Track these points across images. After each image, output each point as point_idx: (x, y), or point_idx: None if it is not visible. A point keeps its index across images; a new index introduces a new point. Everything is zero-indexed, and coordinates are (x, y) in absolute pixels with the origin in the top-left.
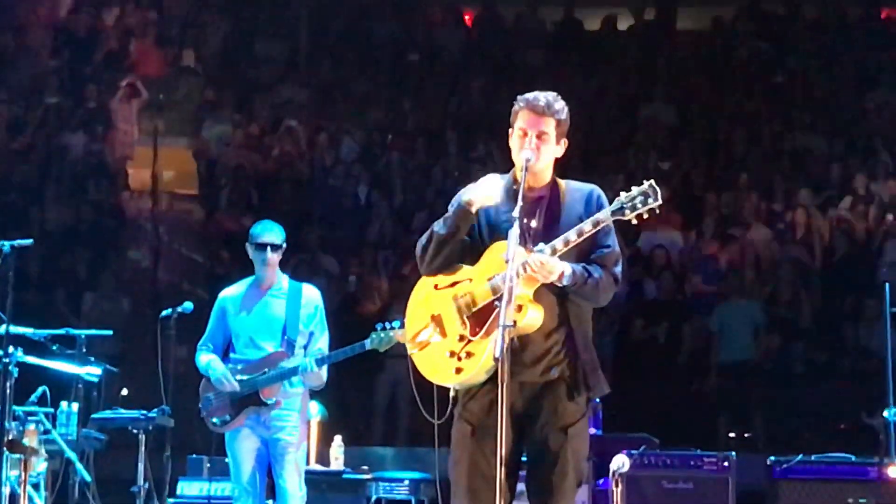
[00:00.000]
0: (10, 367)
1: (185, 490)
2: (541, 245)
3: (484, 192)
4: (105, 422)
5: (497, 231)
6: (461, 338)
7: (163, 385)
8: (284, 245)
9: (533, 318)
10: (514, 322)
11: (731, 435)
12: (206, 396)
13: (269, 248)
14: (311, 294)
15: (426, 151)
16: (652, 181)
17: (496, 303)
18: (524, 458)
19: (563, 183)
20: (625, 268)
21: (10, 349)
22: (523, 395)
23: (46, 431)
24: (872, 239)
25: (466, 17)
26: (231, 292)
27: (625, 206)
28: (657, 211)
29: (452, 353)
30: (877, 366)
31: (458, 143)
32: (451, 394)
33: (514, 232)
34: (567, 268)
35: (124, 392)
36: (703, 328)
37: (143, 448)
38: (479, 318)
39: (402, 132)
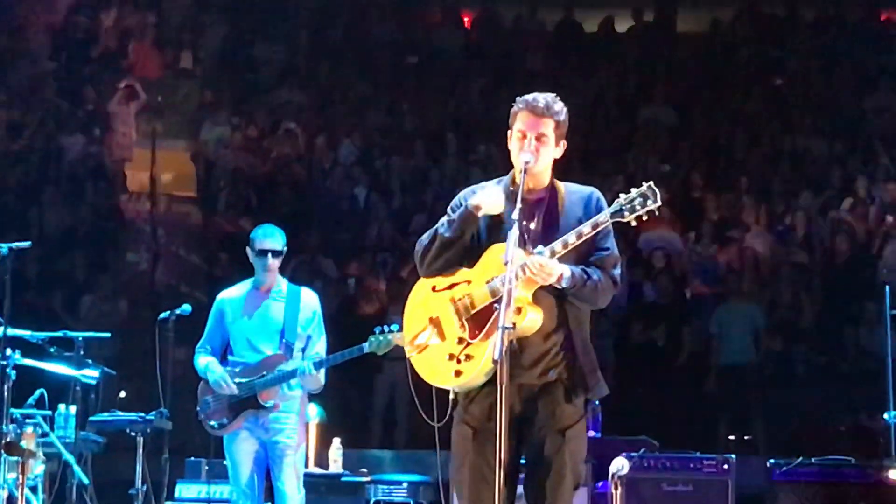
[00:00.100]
0: (7, 370)
1: (183, 493)
2: (540, 247)
3: (490, 197)
4: (103, 424)
5: (496, 233)
6: (460, 340)
7: (161, 387)
8: (285, 249)
9: (532, 320)
10: (514, 324)
11: (731, 437)
12: (204, 399)
13: (270, 254)
14: (309, 298)
15: (425, 154)
16: (651, 183)
17: (495, 305)
18: (523, 462)
19: (561, 185)
20: (623, 270)
21: (8, 351)
22: (522, 396)
23: (44, 434)
24: (872, 241)
25: (465, 19)
26: (229, 294)
27: (624, 207)
28: (657, 213)
29: (451, 356)
30: (877, 368)
31: (457, 146)
32: (451, 396)
33: (513, 234)
34: (566, 270)
35: (122, 394)
36: (703, 331)
37: (141, 450)
38: (478, 320)
39: (400, 134)
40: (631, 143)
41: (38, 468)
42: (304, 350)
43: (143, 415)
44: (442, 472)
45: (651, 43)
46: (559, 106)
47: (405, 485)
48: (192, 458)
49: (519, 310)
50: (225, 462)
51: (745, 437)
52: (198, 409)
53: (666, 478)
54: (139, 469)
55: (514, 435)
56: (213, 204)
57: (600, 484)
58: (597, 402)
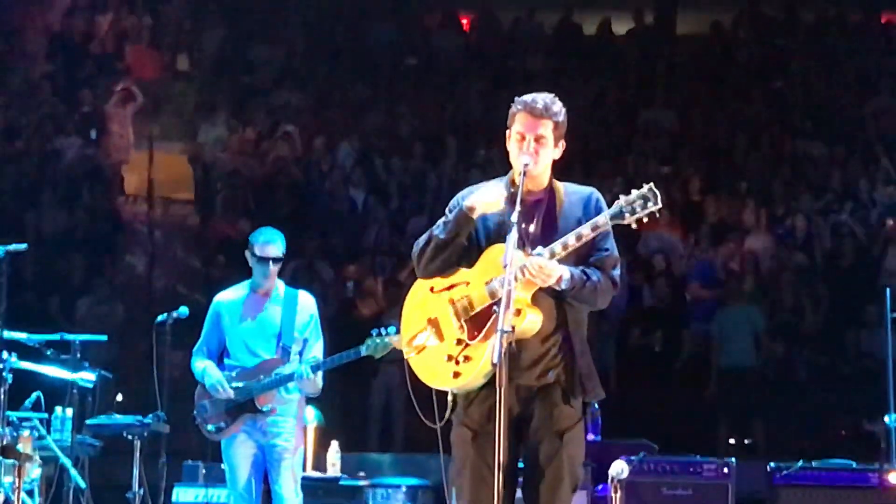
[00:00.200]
0: (4, 373)
1: (180, 496)
2: (539, 249)
3: (486, 198)
4: (100, 427)
5: (494, 235)
6: (459, 342)
7: (158, 390)
8: (284, 253)
9: (531, 321)
10: (513, 327)
11: (731, 441)
12: (201, 404)
13: (271, 261)
14: (307, 301)
15: (423, 156)
16: (652, 185)
17: (494, 306)
18: (521, 465)
19: (560, 186)
20: (623, 272)
21: (5, 354)
22: (520, 398)
23: (41, 437)
24: (873, 244)
25: (464, 22)
26: (226, 297)
27: (624, 209)
28: (657, 215)
29: (450, 357)
30: (878, 371)
31: (456, 148)
32: (449, 398)
33: (513, 236)
34: (565, 271)
35: (119, 398)
36: (704, 334)
37: (138, 454)
38: (477, 321)
39: (399, 137)
40: (631, 146)
41: (34, 472)
42: (301, 353)
43: (140, 418)
44: (442, 474)
45: (651, 45)
46: (558, 107)
47: (403, 488)
48: (190, 462)
49: (518, 311)
50: (222, 466)
51: (746, 441)
52: (195, 413)
53: (666, 481)
54: (136, 473)
55: (513, 437)
56: (210, 206)
57: (600, 487)
58: (596, 406)
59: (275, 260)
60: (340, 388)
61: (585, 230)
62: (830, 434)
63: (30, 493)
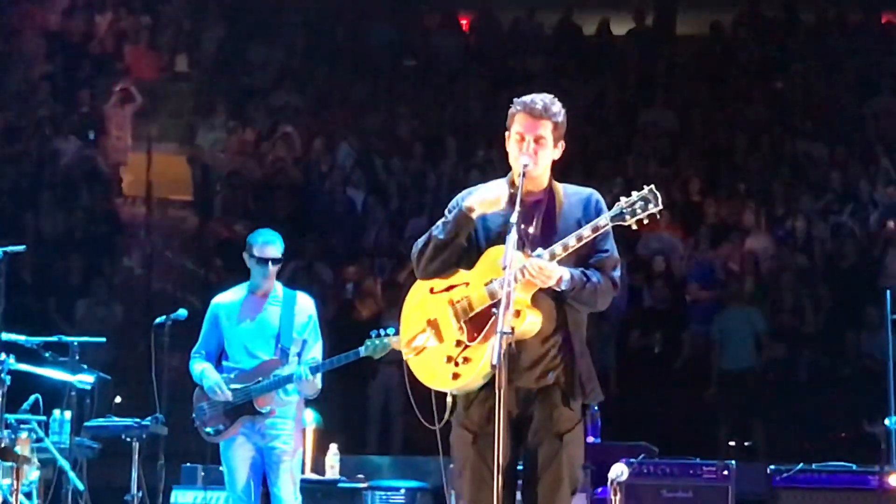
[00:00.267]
0: (2, 375)
1: (179, 499)
2: (539, 250)
3: (485, 198)
4: (98, 430)
5: (494, 236)
6: (458, 343)
7: (156, 393)
8: (283, 254)
9: (531, 323)
10: (512, 329)
11: (731, 443)
12: (199, 406)
13: (271, 262)
14: (305, 302)
15: (423, 157)
16: (652, 186)
17: (493, 308)
18: (520, 467)
19: (560, 187)
20: (623, 273)
21: (3, 356)
22: (520, 400)
23: (39, 440)
24: (874, 246)
25: (463, 22)
26: (224, 299)
27: (625, 211)
28: (658, 216)
29: (449, 359)
30: (878, 373)
31: (455, 149)
32: (449, 399)
33: (512, 237)
34: (565, 272)
35: (117, 400)
36: (704, 335)
37: (136, 456)
38: (477, 322)
39: (398, 138)
40: (631, 147)
41: (32, 474)
42: (300, 355)
43: (138, 420)
44: (441, 475)
45: (651, 45)
46: (557, 107)
47: (403, 491)
48: (188, 464)
49: (518, 313)
50: (221, 468)
51: (746, 444)
52: (193, 415)
53: (666, 484)
54: (135, 475)
55: (513, 438)
56: (208, 208)
57: (599, 490)
58: (595, 408)
59: (274, 261)
60: (339, 391)
61: (586, 231)
62: (830, 436)
63: (28, 496)
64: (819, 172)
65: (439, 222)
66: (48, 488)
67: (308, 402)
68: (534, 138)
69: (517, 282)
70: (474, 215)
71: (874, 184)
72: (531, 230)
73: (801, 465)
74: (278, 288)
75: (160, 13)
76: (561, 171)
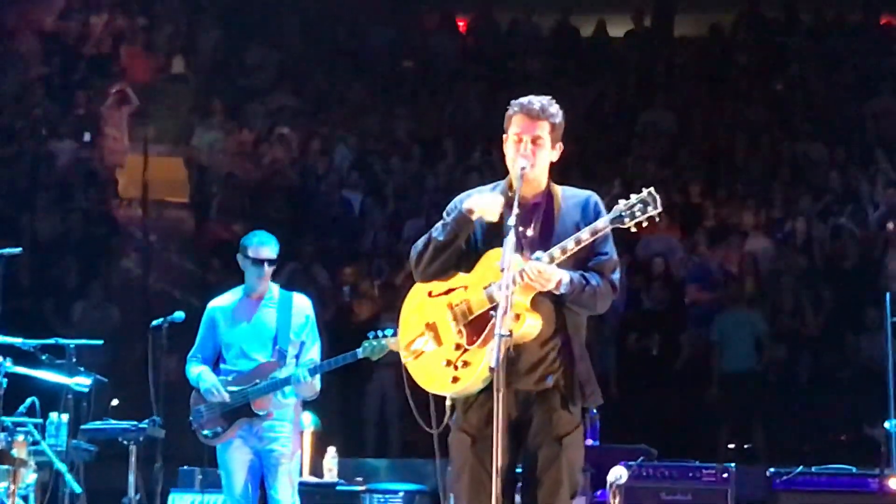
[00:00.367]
0: None
1: (176, 502)
2: (538, 253)
3: (485, 201)
4: (95, 433)
5: (493, 239)
6: (457, 346)
7: (154, 395)
8: (277, 255)
9: (530, 326)
10: (510, 332)
11: (731, 446)
12: (196, 409)
13: (266, 262)
14: (302, 303)
15: (420, 159)
16: (652, 189)
17: (492, 311)
18: (519, 470)
19: (558, 189)
20: (623, 276)
21: None
22: (519, 403)
23: (36, 442)
24: (874, 247)
25: (461, 24)
26: (220, 302)
27: (624, 214)
28: (657, 219)
29: (449, 362)
30: (878, 376)
31: (453, 151)
32: (448, 403)
33: (510, 240)
34: (565, 276)
35: (115, 402)
36: (703, 338)
37: (133, 459)
38: (476, 326)
39: (396, 139)
40: (630, 148)
41: (29, 477)
42: (297, 356)
43: (135, 423)
44: (438, 480)
45: (649, 47)
46: (555, 108)
47: (401, 494)
48: (186, 467)
49: (517, 316)
50: (219, 471)
51: (745, 446)
52: (191, 418)
53: (665, 487)
54: (132, 478)
55: (512, 442)
56: (205, 210)
57: (599, 493)
58: (594, 411)
59: (269, 261)
60: (338, 393)
61: (585, 234)
62: (831, 438)
63: (25, 499)
64: (819, 173)
65: (438, 224)
66: (45, 491)
67: (306, 405)
68: (531, 139)
69: (516, 285)
70: (474, 217)
71: (874, 185)
72: (529, 232)
73: (801, 467)
74: (274, 290)
75: (156, 14)
76: (559, 172)
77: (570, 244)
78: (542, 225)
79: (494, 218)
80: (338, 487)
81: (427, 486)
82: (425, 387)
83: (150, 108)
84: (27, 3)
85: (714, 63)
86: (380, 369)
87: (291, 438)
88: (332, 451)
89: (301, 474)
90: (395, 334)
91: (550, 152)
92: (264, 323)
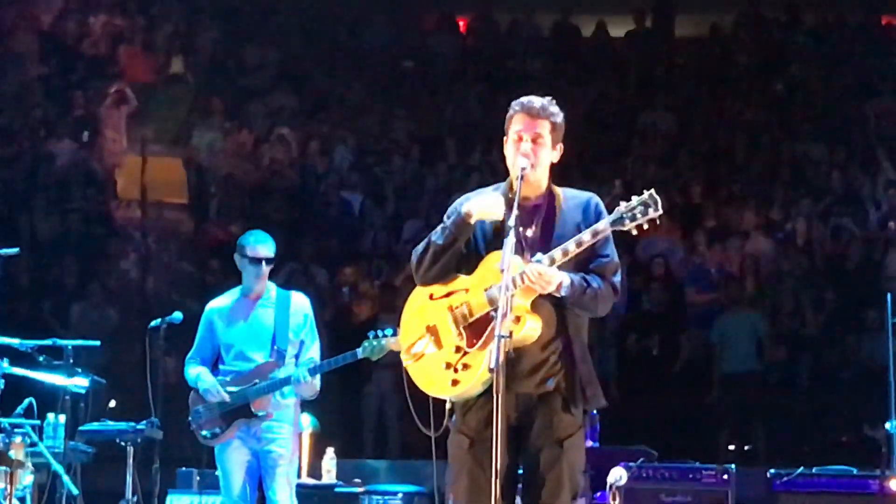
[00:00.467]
0: None
1: (174, 503)
2: (539, 255)
3: (484, 203)
4: (93, 434)
5: (494, 241)
6: (457, 349)
7: (151, 396)
8: (275, 254)
9: (531, 329)
10: (511, 333)
11: (731, 447)
12: (195, 409)
13: (264, 261)
14: (300, 302)
15: (420, 159)
16: (652, 191)
17: (493, 313)
18: (520, 472)
19: (559, 191)
20: (623, 277)
21: None
22: (519, 406)
23: (33, 444)
24: (874, 248)
25: (461, 24)
26: (218, 304)
27: (625, 216)
28: (657, 221)
29: (449, 365)
30: (879, 377)
31: (453, 151)
32: (448, 406)
33: (510, 241)
34: (565, 278)
35: (112, 404)
36: (704, 339)
37: (131, 461)
38: (476, 329)
39: (395, 140)
40: (630, 149)
41: (26, 479)
42: (297, 356)
43: (133, 424)
44: (439, 482)
45: (649, 47)
46: (555, 108)
47: (400, 495)
48: (184, 468)
49: (517, 318)
50: (217, 472)
51: (746, 447)
52: (189, 419)
53: (665, 488)
54: (129, 479)
55: (511, 444)
56: (204, 211)
57: (598, 494)
58: (594, 412)
59: (267, 260)
60: (337, 394)
61: (585, 236)
62: (831, 440)
63: (22, 501)
64: (819, 174)
65: (438, 228)
66: (42, 493)
67: (305, 406)
68: (532, 137)
69: (517, 287)
70: (473, 220)
71: (875, 185)
72: (530, 234)
73: (802, 469)
74: (272, 289)
75: (155, 14)
76: (559, 173)
77: (570, 246)
78: (542, 226)
79: (497, 217)
80: (336, 489)
81: (426, 488)
82: (425, 390)
83: (149, 108)
84: (25, 3)
85: (714, 63)
86: (378, 370)
87: (290, 439)
88: (330, 452)
89: (299, 475)
90: (394, 334)
91: (551, 152)
92: (262, 323)
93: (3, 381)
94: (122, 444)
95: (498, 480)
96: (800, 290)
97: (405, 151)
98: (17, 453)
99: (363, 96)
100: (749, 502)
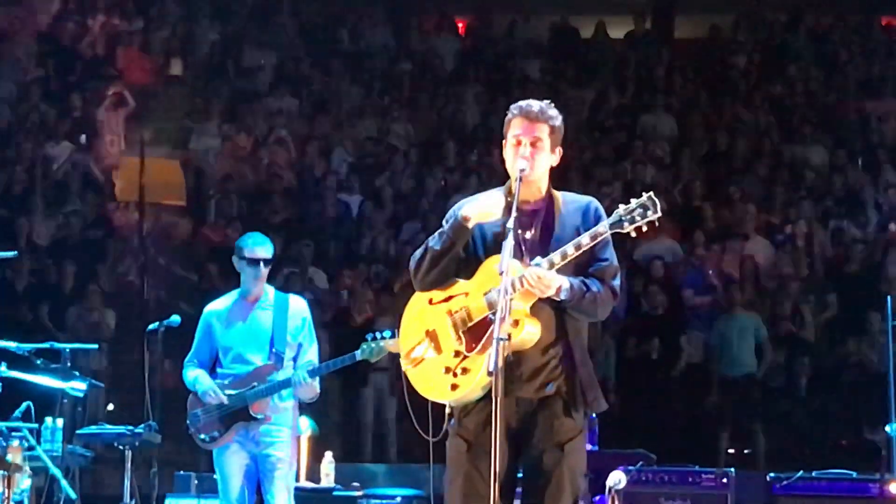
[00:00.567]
0: None
1: None
2: (538, 259)
3: (482, 207)
4: (90, 437)
5: (493, 245)
6: (457, 353)
7: (149, 400)
8: (272, 256)
9: (530, 332)
10: (509, 336)
11: (731, 451)
12: (193, 413)
13: (262, 262)
14: (298, 305)
15: (419, 162)
16: (651, 193)
17: (492, 318)
18: (520, 475)
19: (558, 194)
20: (623, 281)
21: None
22: (519, 411)
23: (31, 447)
24: (875, 251)
25: (460, 26)
26: (216, 306)
27: (623, 218)
28: (656, 223)
29: (448, 370)
30: (879, 380)
31: (451, 154)
32: (447, 410)
33: (509, 244)
34: (565, 282)
35: (110, 407)
36: (703, 342)
37: (129, 464)
38: (475, 333)
39: (394, 143)
40: (629, 151)
41: (24, 482)
42: (295, 359)
43: (131, 428)
44: (436, 486)
45: (649, 49)
46: (554, 111)
47: (398, 499)
48: (182, 472)
49: (516, 322)
50: (215, 476)
51: (745, 451)
52: (188, 422)
53: (664, 492)
54: (127, 483)
55: (510, 448)
56: (202, 213)
57: (597, 498)
58: (594, 416)
59: (265, 262)
60: (335, 398)
61: (585, 239)
62: (831, 443)
63: None
64: (819, 176)
65: (436, 233)
66: (40, 497)
67: (303, 410)
68: (530, 141)
69: (516, 291)
70: (471, 224)
71: (875, 188)
72: (529, 237)
73: (801, 472)
74: (270, 292)
75: (153, 16)
76: (559, 175)
77: (569, 249)
78: (542, 230)
79: (496, 217)
80: (335, 493)
81: (425, 491)
82: (425, 394)
83: (147, 110)
84: (23, 5)
85: (714, 65)
86: (376, 373)
87: (288, 443)
88: (329, 455)
89: (298, 479)
90: (393, 336)
91: (550, 156)
92: (260, 325)
93: (0, 384)
94: (120, 447)
95: (496, 484)
96: (800, 293)
97: (404, 154)
98: (14, 457)
99: (362, 98)
100: None
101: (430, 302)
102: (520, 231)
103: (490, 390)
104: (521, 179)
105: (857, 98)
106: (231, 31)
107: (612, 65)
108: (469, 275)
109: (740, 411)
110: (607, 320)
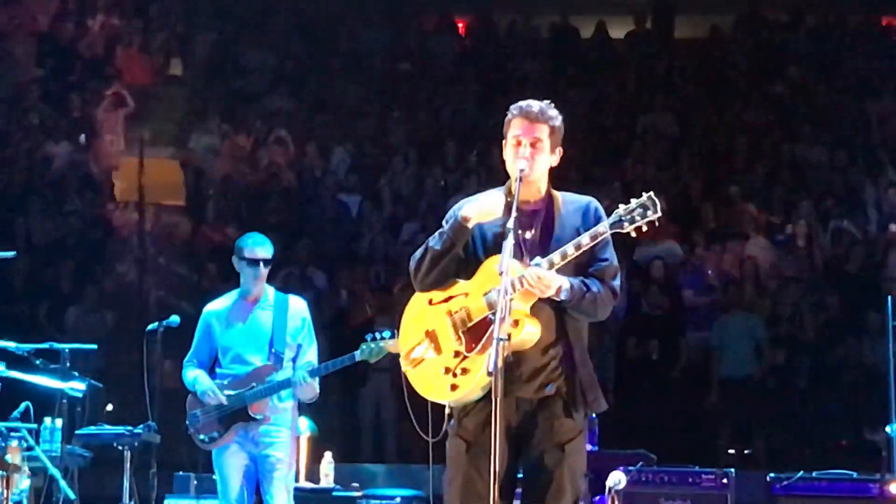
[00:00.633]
0: None
1: None
2: (538, 259)
3: (482, 207)
4: (90, 438)
5: (493, 246)
6: (456, 354)
7: (149, 400)
8: (272, 256)
9: (530, 333)
10: (509, 336)
11: (731, 451)
12: (193, 413)
13: (262, 262)
14: (298, 305)
15: (418, 162)
16: (651, 193)
17: (492, 318)
18: (520, 476)
19: (558, 195)
20: (623, 281)
21: None
22: (519, 411)
23: (29, 448)
24: (875, 250)
25: (459, 25)
26: (216, 306)
27: (623, 218)
28: (656, 223)
29: (447, 370)
30: (879, 380)
31: (451, 154)
32: (447, 410)
33: (508, 244)
34: (565, 282)
35: (109, 408)
36: (703, 342)
37: (128, 465)
38: (475, 333)
39: (393, 142)
40: (629, 151)
41: (23, 483)
42: (294, 360)
43: (130, 428)
44: (435, 486)
45: (649, 49)
46: (554, 111)
47: (398, 499)
48: (181, 473)
49: (516, 322)
50: (214, 476)
51: (745, 451)
52: (187, 423)
53: (664, 492)
54: (127, 484)
55: (510, 449)
56: (202, 213)
57: (597, 498)
58: (594, 416)
59: (265, 262)
60: (334, 398)
61: (584, 240)
62: (831, 443)
63: None
64: (819, 176)
65: (436, 233)
66: (39, 497)
67: (302, 410)
68: (530, 141)
69: (515, 291)
70: (470, 224)
71: (876, 187)
72: (529, 237)
73: (802, 472)
74: (269, 293)
75: (152, 16)
76: (559, 175)
77: (569, 249)
78: (541, 230)
79: (496, 216)
80: (334, 493)
81: (424, 492)
82: (425, 395)
83: (146, 110)
84: (22, 5)
85: (714, 65)
86: (375, 374)
87: (288, 444)
88: (328, 456)
89: (297, 480)
90: (392, 336)
91: (550, 156)
92: (260, 325)
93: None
94: (120, 448)
95: (497, 483)
96: (800, 292)
97: (403, 154)
98: (13, 457)
99: (361, 98)
100: None
101: (430, 302)
102: (520, 231)
103: (490, 391)
104: (520, 180)
105: (857, 98)
106: (230, 32)
107: (612, 65)
108: (469, 275)
109: (740, 411)
110: (607, 320)
